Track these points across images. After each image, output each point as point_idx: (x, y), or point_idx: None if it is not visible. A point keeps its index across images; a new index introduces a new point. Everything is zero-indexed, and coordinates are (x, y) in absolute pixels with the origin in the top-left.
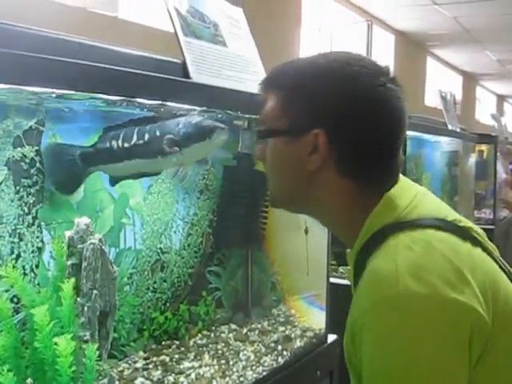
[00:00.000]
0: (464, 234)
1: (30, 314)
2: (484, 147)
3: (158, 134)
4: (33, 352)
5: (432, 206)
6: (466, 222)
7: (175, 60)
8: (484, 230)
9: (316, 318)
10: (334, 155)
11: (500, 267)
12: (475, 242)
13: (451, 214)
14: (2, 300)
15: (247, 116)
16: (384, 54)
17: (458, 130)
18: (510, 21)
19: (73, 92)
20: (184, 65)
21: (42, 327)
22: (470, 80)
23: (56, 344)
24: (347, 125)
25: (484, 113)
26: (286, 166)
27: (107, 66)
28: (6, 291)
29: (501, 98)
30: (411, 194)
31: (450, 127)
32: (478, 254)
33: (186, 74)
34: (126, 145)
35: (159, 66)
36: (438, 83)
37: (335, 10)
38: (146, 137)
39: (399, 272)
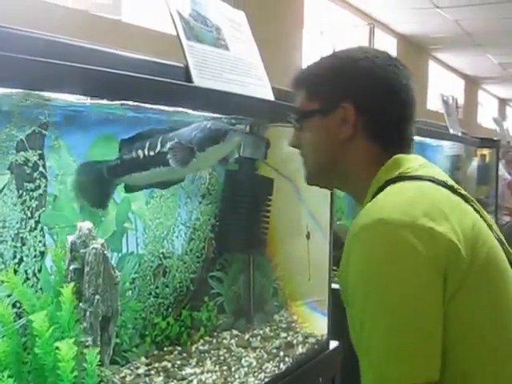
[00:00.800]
0: (458, 192)
1: (30, 320)
2: (486, 151)
3: (174, 141)
4: (34, 357)
5: (434, 172)
6: (465, 192)
7: (178, 64)
8: None
9: (318, 324)
10: (361, 123)
11: (495, 237)
12: (467, 200)
13: (451, 182)
14: (3, 306)
15: (249, 120)
16: None
17: (459, 134)
18: (511, 24)
19: (75, 96)
20: (186, 69)
21: (41, 333)
22: (472, 84)
23: (57, 349)
24: (369, 97)
25: (486, 116)
26: (321, 139)
27: (110, 70)
28: (8, 296)
29: (503, 102)
30: (419, 162)
31: (451, 131)
32: (467, 208)
33: (189, 78)
34: (146, 155)
35: (162, 69)
36: (440, 87)
37: (337, 14)
38: (163, 146)
39: (387, 205)
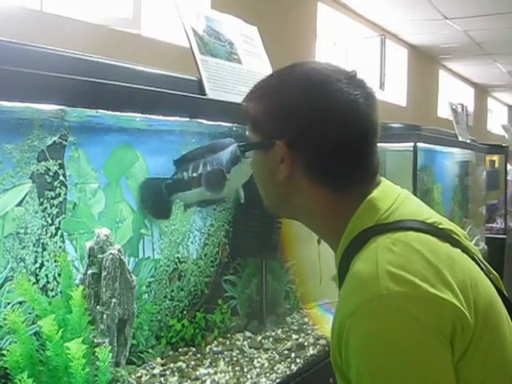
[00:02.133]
0: (443, 235)
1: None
2: (496, 157)
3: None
4: (47, 359)
5: (412, 209)
6: (447, 225)
7: (192, 77)
8: (495, 239)
9: (329, 326)
10: (298, 163)
11: (480, 267)
12: (454, 242)
13: (432, 217)
14: (15, 313)
15: None
16: (397, 68)
17: (468, 141)
18: None
19: (92, 109)
20: (200, 82)
21: (51, 336)
22: (482, 92)
23: (68, 349)
24: (305, 134)
25: (496, 123)
26: (264, 176)
27: (127, 85)
28: (20, 303)
29: None
30: (392, 197)
31: (460, 138)
32: (457, 254)
33: (202, 91)
34: (192, 175)
35: (177, 83)
36: (451, 95)
37: (349, 25)
38: (202, 166)
39: (380, 273)
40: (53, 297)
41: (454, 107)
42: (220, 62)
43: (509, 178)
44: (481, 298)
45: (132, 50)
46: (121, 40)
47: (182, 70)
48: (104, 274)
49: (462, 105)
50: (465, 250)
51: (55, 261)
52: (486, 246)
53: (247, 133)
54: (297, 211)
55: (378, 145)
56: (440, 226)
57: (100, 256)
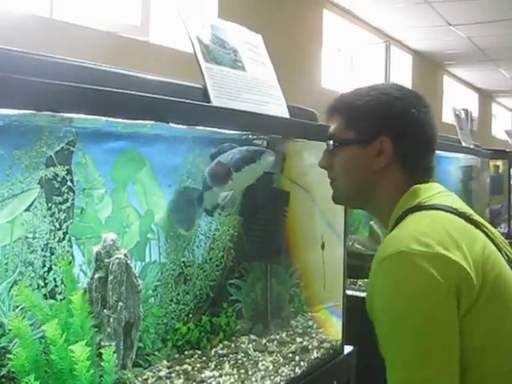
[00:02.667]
0: (471, 220)
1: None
2: (499, 162)
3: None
4: (51, 363)
5: (450, 200)
6: (477, 217)
7: (197, 85)
8: None
9: (333, 329)
10: (395, 155)
11: (502, 254)
12: (479, 227)
13: (464, 208)
14: (18, 319)
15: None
16: (402, 73)
17: (471, 146)
18: None
19: (100, 117)
20: (205, 89)
21: (55, 340)
22: (486, 97)
23: (72, 352)
24: (404, 132)
25: (500, 129)
26: (356, 167)
27: (132, 93)
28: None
29: None
30: (435, 191)
31: (463, 144)
32: (478, 234)
33: (207, 98)
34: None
35: (182, 90)
36: (455, 101)
37: (354, 32)
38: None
39: (406, 237)
40: (61, 300)
41: (457, 113)
42: (224, 69)
43: None
44: (493, 272)
45: (140, 57)
46: (129, 47)
47: (191, 76)
48: (110, 278)
49: (467, 110)
50: (489, 236)
51: (58, 265)
52: None
53: (334, 129)
54: (369, 199)
55: None
56: (470, 216)
57: (107, 260)
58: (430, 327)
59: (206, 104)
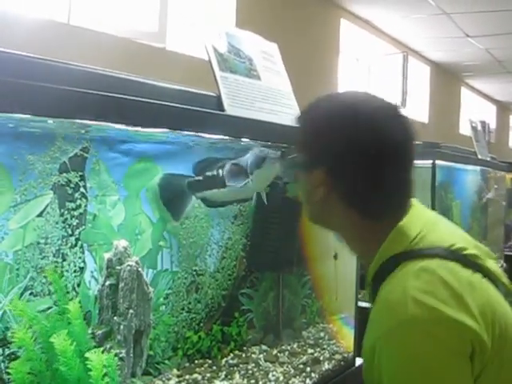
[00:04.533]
0: (466, 262)
1: (44, 341)
2: None
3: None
4: (54, 373)
5: (440, 235)
6: (471, 248)
7: (211, 93)
8: None
9: (345, 341)
10: (336, 189)
11: (500, 289)
12: (476, 268)
13: (457, 242)
14: (22, 331)
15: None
16: (419, 84)
17: (488, 158)
18: None
19: (115, 125)
20: (219, 98)
21: (64, 352)
22: (504, 109)
23: (88, 359)
24: (343, 166)
25: None
26: (306, 193)
27: (147, 100)
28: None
29: None
30: (420, 224)
31: (479, 156)
32: (477, 280)
33: (221, 107)
34: (215, 175)
35: (195, 99)
36: (473, 112)
37: (372, 41)
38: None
39: (407, 300)
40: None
41: (473, 125)
42: (239, 78)
43: None
44: (498, 320)
45: (157, 64)
46: (146, 53)
47: (206, 83)
48: (121, 285)
49: (484, 122)
50: (486, 273)
51: (74, 271)
52: (504, 264)
53: (296, 148)
54: (334, 229)
55: None
56: (464, 253)
57: (118, 267)
58: None
59: (220, 112)
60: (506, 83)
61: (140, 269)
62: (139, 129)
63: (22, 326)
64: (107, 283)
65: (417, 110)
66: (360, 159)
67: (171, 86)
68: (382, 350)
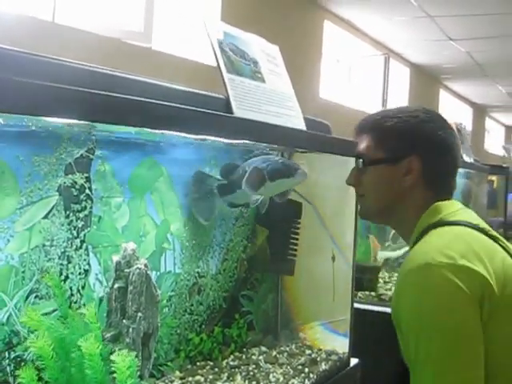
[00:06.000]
0: (490, 235)
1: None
2: (494, 177)
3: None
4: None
5: (469, 216)
6: (494, 232)
7: (219, 95)
8: None
9: (340, 342)
10: (423, 175)
11: None
12: (496, 241)
13: (483, 224)
14: (43, 341)
15: (282, 148)
16: (400, 86)
17: (472, 161)
18: None
19: (121, 125)
20: (227, 100)
21: (91, 355)
22: (480, 112)
23: (113, 362)
24: (432, 153)
25: (493, 144)
26: (385, 185)
27: (158, 102)
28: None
29: (509, 129)
30: (456, 208)
31: (465, 159)
32: (497, 248)
33: (229, 109)
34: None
35: (202, 100)
36: (450, 114)
37: (354, 43)
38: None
39: (431, 250)
40: (77, 309)
41: (459, 127)
42: (246, 80)
43: None
44: (511, 283)
45: (143, 63)
46: (132, 53)
47: (192, 83)
48: (130, 288)
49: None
50: (505, 249)
51: (79, 273)
52: None
53: (363, 148)
54: (395, 214)
55: None
56: (489, 232)
57: (126, 270)
58: (458, 335)
59: (230, 115)
60: (483, 86)
61: (149, 271)
62: (154, 131)
63: (40, 334)
64: (116, 286)
65: None
66: (441, 148)
67: (180, 87)
68: (403, 284)
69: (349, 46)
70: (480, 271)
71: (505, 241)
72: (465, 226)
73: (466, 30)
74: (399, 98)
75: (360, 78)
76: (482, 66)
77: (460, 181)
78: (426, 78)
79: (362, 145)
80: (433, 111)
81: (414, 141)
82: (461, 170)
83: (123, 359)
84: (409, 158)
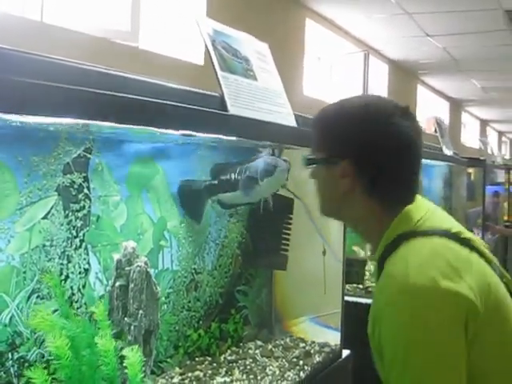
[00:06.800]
0: (463, 241)
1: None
2: (471, 170)
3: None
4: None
5: (439, 220)
6: (467, 234)
7: (213, 93)
8: None
9: (332, 334)
10: (360, 180)
11: (494, 271)
12: (472, 248)
13: (455, 227)
14: (60, 340)
15: (272, 145)
16: (379, 82)
17: (452, 154)
18: (494, 52)
19: (120, 125)
20: (222, 98)
21: (107, 352)
22: (456, 106)
23: (123, 357)
24: (369, 156)
25: (469, 137)
26: (326, 186)
27: (156, 101)
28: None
29: (484, 123)
30: (424, 210)
31: (445, 152)
32: (474, 257)
33: (224, 107)
34: (228, 179)
35: (197, 99)
36: (427, 109)
37: (334, 41)
38: (238, 173)
39: (409, 271)
40: (77, 308)
41: (438, 121)
42: (239, 78)
43: None
44: (491, 295)
45: (130, 62)
46: (119, 52)
47: (178, 82)
48: (131, 286)
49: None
50: (481, 254)
51: (80, 272)
52: None
53: (311, 149)
54: (347, 218)
55: None
56: (462, 236)
57: (127, 268)
58: (445, 365)
59: (226, 113)
60: (459, 81)
61: (149, 269)
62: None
63: (57, 334)
64: (117, 284)
65: None
66: (381, 150)
67: (175, 85)
68: (383, 317)
69: (330, 44)
70: (464, 292)
71: (476, 241)
72: (438, 235)
73: (443, 27)
74: (379, 93)
75: (341, 75)
76: (458, 62)
77: (441, 173)
78: (404, 74)
79: (312, 140)
80: (384, 101)
81: (347, 144)
82: (441, 163)
83: (134, 354)
84: (343, 160)
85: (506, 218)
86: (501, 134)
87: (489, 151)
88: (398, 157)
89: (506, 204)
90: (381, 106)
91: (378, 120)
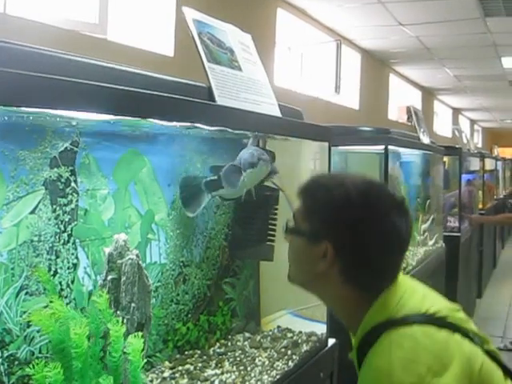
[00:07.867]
0: (442, 324)
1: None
2: (446, 158)
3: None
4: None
5: (419, 300)
6: (446, 311)
7: (199, 84)
8: (451, 237)
9: (318, 323)
10: (339, 263)
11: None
12: (453, 328)
13: (433, 305)
14: (78, 329)
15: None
16: (351, 72)
17: (429, 142)
18: (467, 40)
19: (107, 116)
20: (209, 89)
21: (117, 338)
22: (429, 95)
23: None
24: (356, 246)
25: (441, 125)
26: (302, 259)
27: (145, 91)
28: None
29: (456, 111)
30: (402, 291)
31: (423, 141)
32: (454, 339)
33: (212, 98)
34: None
35: (184, 89)
36: (400, 98)
37: (306, 30)
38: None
39: (393, 368)
40: (67, 304)
41: (415, 110)
42: (225, 69)
43: None
44: (475, 372)
45: (98, 54)
46: (87, 44)
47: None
48: (123, 279)
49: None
50: (458, 329)
51: (68, 268)
52: (443, 244)
53: (296, 212)
54: (319, 295)
55: (346, 147)
56: (438, 315)
57: (119, 261)
58: None
59: (214, 103)
60: (431, 69)
61: (140, 262)
62: (129, 119)
63: (78, 323)
64: (109, 278)
65: (348, 97)
66: (371, 244)
67: (163, 76)
68: None
69: (302, 34)
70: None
71: (456, 318)
72: (418, 323)
73: (416, 15)
74: (351, 83)
75: (313, 65)
76: (430, 50)
77: (417, 163)
78: (377, 63)
79: (297, 207)
80: (378, 188)
81: (331, 227)
82: (418, 152)
83: (137, 341)
84: (324, 241)
85: (480, 206)
86: (473, 122)
87: (464, 140)
88: (385, 252)
89: (480, 192)
90: (381, 199)
91: (375, 213)
